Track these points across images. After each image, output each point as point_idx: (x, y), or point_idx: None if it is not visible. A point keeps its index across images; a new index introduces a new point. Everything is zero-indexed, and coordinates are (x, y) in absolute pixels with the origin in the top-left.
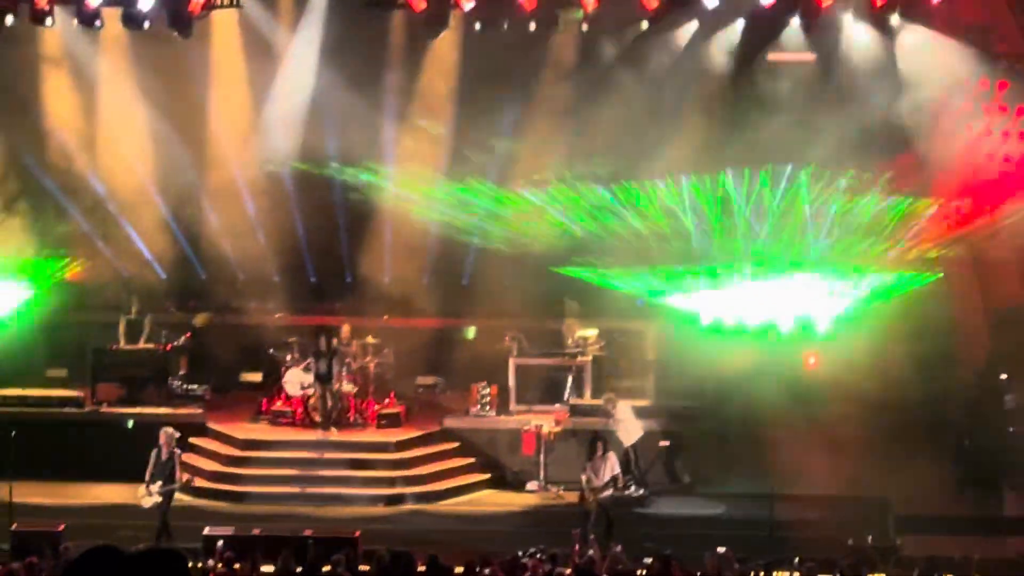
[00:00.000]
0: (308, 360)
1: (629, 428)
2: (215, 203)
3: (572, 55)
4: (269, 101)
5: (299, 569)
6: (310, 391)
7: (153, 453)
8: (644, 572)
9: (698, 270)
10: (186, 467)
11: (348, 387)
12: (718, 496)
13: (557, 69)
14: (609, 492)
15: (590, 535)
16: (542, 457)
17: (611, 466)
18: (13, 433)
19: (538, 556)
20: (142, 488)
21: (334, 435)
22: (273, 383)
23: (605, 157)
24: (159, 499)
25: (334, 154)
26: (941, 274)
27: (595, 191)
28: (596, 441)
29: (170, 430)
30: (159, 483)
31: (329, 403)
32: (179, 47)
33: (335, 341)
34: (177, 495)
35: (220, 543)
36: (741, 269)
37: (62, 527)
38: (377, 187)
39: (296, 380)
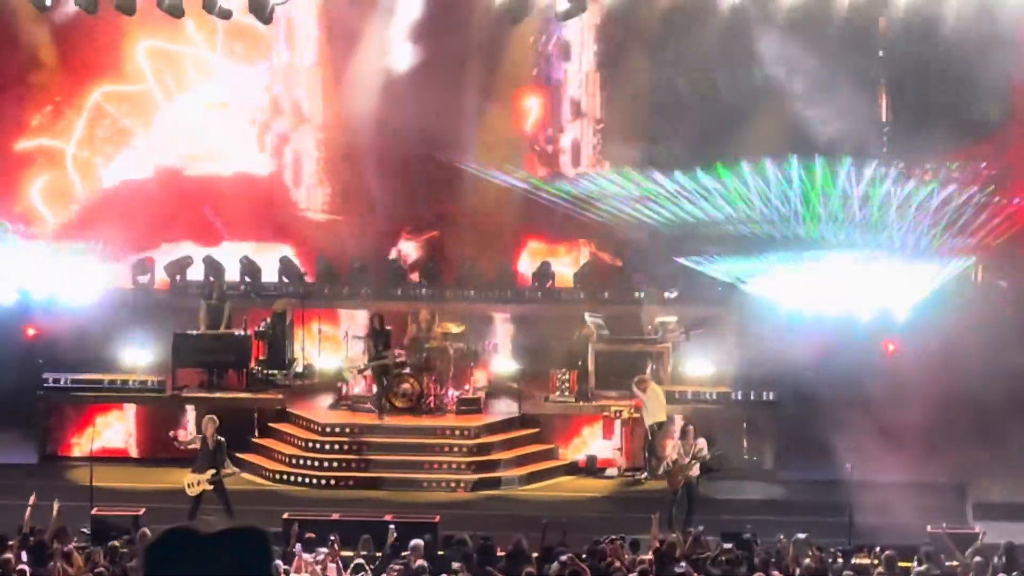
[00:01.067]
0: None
1: (653, 409)
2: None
3: (657, 38)
4: (349, 83)
5: (379, 553)
6: (367, 373)
7: (199, 440)
8: (725, 556)
9: (780, 256)
10: (266, 452)
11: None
12: (797, 482)
13: (641, 52)
14: (696, 471)
15: (675, 517)
16: (621, 443)
17: (700, 448)
18: (96, 419)
19: (618, 542)
20: (188, 476)
21: (387, 421)
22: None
23: (689, 141)
24: (208, 487)
25: (417, 135)
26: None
27: (678, 176)
28: (687, 423)
29: (211, 417)
30: (210, 472)
31: (384, 383)
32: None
33: (385, 321)
34: (256, 479)
35: (297, 527)
36: (821, 256)
37: (142, 511)
38: (461, 171)
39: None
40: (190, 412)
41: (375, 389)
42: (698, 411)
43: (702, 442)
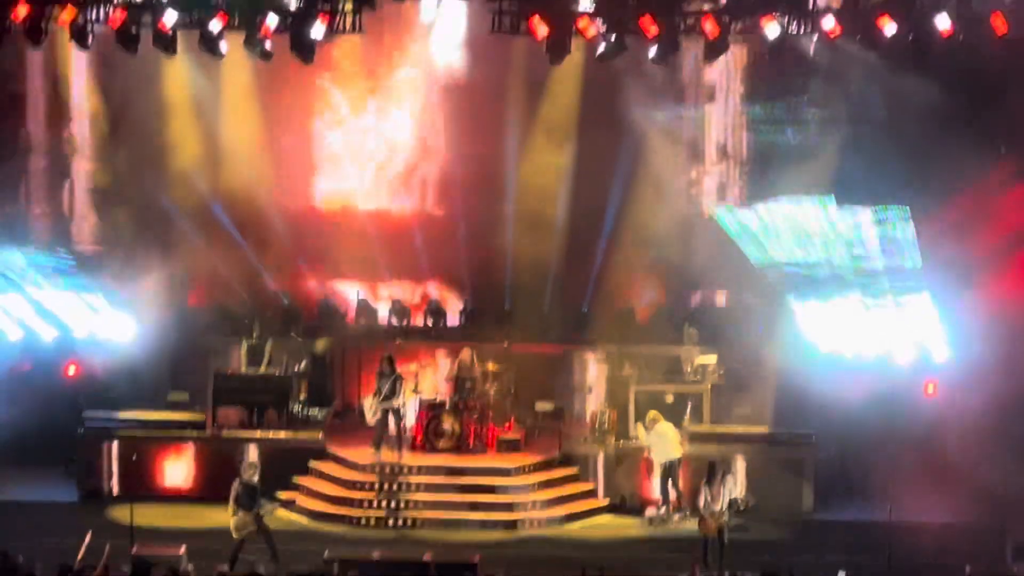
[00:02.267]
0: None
1: (663, 448)
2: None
3: (696, 78)
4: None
5: None
6: (380, 414)
7: (235, 483)
8: None
9: (818, 297)
10: (305, 491)
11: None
12: (837, 522)
13: (677, 93)
14: (727, 516)
15: (711, 562)
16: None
17: (729, 490)
18: (135, 456)
19: None
20: (233, 519)
21: (393, 458)
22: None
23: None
24: (252, 527)
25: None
26: None
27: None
28: (714, 466)
29: (252, 462)
30: (255, 511)
31: (391, 425)
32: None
33: (396, 363)
34: (296, 518)
35: (337, 567)
36: (860, 298)
37: (183, 550)
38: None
39: (368, 407)
40: (252, 451)
41: (377, 427)
42: (735, 451)
43: (730, 481)
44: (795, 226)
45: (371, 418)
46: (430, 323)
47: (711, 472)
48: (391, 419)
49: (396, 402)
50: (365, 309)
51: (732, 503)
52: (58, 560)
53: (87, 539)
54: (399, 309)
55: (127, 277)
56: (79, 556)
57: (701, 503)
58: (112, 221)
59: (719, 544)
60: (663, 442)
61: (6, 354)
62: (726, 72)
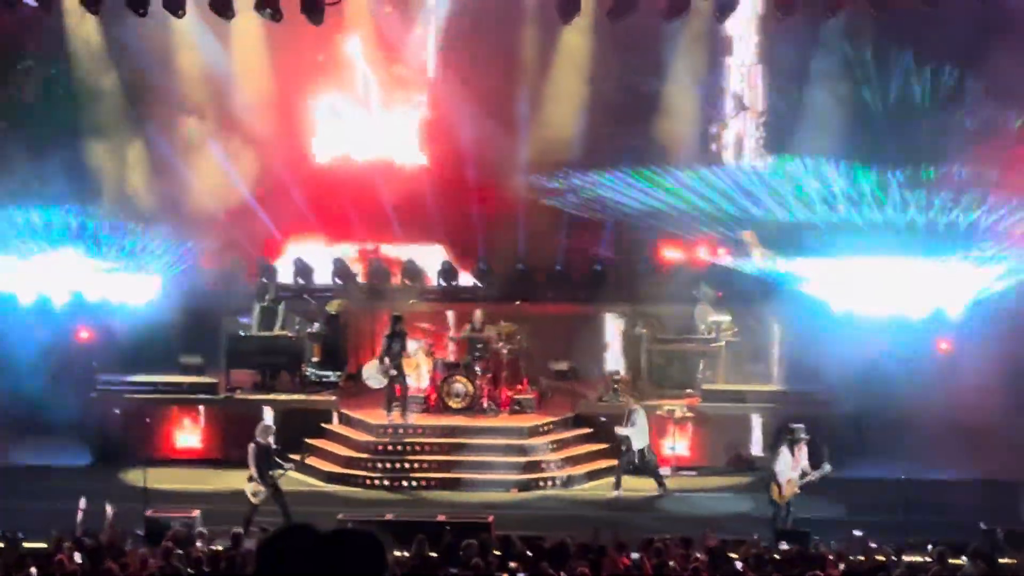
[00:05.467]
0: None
1: (641, 434)
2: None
3: (702, 41)
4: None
5: (433, 554)
6: (393, 373)
7: (251, 447)
8: (780, 555)
9: (832, 256)
10: (318, 452)
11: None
12: (851, 480)
13: (690, 55)
14: (801, 483)
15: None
16: (674, 442)
17: (804, 457)
18: (148, 420)
19: (668, 540)
20: (250, 485)
21: (398, 419)
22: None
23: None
24: (268, 491)
25: (465, 140)
26: None
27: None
28: (794, 432)
29: (267, 425)
30: (270, 474)
31: (397, 387)
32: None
33: (402, 323)
34: (311, 481)
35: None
36: (875, 255)
37: (196, 513)
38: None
39: (372, 372)
40: (267, 414)
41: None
42: (749, 410)
43: (804, 449)
44: (810, 183)
45: (376, 384)
46: (443, 283)
47: (791, 439)
48: (400, 380)
49: (404, 361)
50: (376, 270)
51: (805, 472)
52: (71, 525)
53: (82, 504)
54: (412, 270)
55: (140, 239)
56: (77, 521)
57: (778, 469)
58: (126, 182)
59: (786, 512)
60: (639, 432)
61: (19, 318)
62: (744, 24)
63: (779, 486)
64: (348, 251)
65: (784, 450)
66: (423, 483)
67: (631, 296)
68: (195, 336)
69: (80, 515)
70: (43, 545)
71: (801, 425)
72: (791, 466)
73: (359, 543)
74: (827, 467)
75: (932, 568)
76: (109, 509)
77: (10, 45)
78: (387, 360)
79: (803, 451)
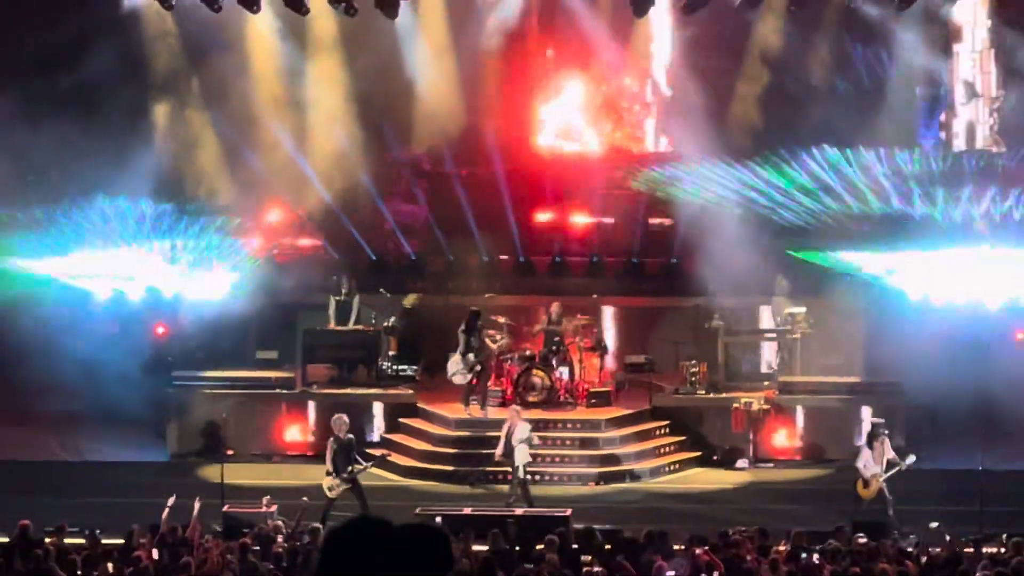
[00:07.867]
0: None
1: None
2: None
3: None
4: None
5: (510, 548)
6: (477, 369)
7: (330, 442)
8: (857, 547)
9: (909, 247)
10: (395, 447)
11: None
12: (929, 471)
13: (762, 50)
14: (887, 476)
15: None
16: (751, 435)
17: (887, 450)
18: (224, 415)
19: (745, 533)
20: (327, 480)
21: (477, 414)
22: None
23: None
24: (346, 486)
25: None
26: None
27: (809, 168)
28: (875, 427)
29: (341, 417)
30: (349, 469)
31: (475, 380)
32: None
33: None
34: (389, 476)
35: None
36: (952, 247)
37: (273, 507)
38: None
39: (457, 368)
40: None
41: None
42: (826, 402)
43: (887, 442)
44: (889, 176)
45: (461, 380)
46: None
47: (871, 434)
48: (482, 375)
49: (482, 356)
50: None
51: (891, 464)
52: (149, 520)
53: (170, 501)
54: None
55: (215, 235)
56: (163, 516)
57: (861, 465)
58: (203, 178)
59: (885, 504)
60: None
61: (95, 315)
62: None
63: (864, 481)
64: None
65: (864, 447)
66: (500, 477)
67: (706, 288)
68: (271, 331)
69: (166, 512)
70: (121, 541)
71: (881, 420)
72: (874, 460)
73: (424, 537)
74: (912, 457)
75: (1012, 559)
76: (197, 504)
77: (90, 39)
78: (471, 356)
79: (885, 444)
